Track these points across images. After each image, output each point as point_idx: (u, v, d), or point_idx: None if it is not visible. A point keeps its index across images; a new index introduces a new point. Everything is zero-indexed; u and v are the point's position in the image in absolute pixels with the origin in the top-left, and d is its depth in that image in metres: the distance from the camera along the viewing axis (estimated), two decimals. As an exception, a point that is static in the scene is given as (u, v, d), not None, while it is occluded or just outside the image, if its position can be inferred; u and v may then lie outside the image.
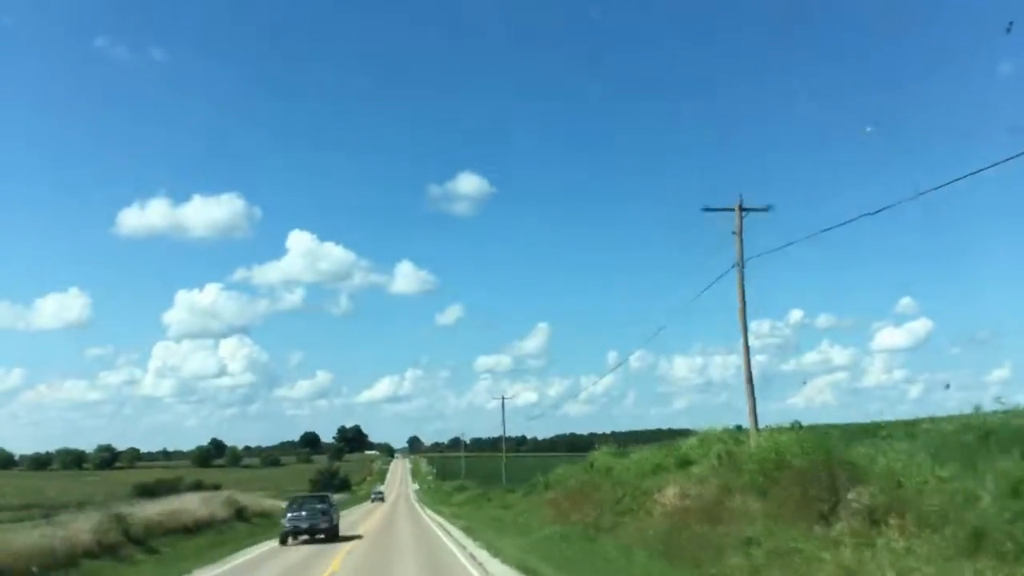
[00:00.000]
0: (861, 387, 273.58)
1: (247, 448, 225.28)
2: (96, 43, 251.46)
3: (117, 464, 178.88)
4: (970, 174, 13.01)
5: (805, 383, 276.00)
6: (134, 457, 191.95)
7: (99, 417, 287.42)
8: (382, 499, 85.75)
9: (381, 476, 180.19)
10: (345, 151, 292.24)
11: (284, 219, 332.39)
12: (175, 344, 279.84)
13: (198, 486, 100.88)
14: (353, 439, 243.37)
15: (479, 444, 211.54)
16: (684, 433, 30.58)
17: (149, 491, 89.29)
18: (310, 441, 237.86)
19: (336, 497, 57.16)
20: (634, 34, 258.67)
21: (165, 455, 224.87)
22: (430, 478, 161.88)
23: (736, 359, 23.21)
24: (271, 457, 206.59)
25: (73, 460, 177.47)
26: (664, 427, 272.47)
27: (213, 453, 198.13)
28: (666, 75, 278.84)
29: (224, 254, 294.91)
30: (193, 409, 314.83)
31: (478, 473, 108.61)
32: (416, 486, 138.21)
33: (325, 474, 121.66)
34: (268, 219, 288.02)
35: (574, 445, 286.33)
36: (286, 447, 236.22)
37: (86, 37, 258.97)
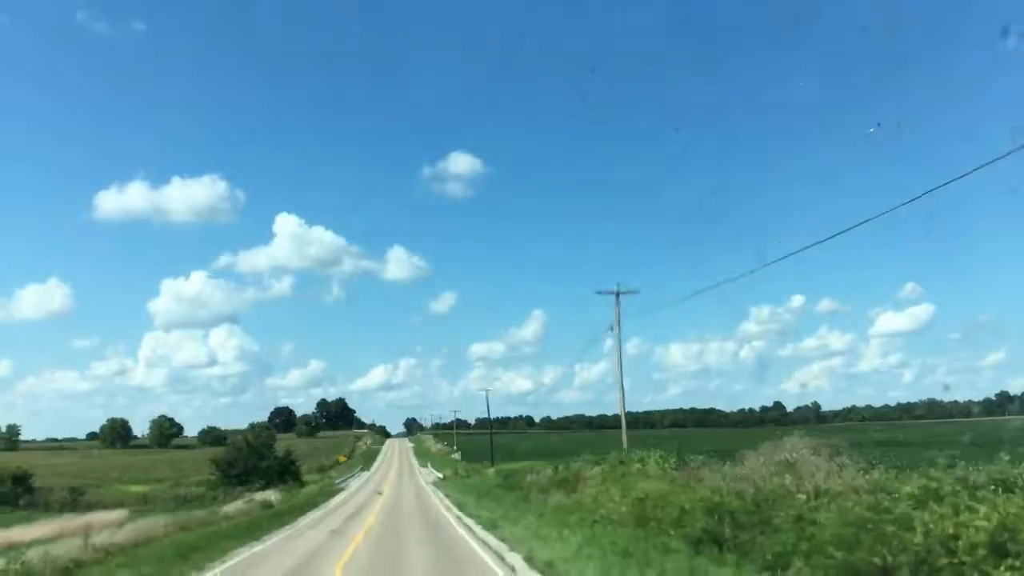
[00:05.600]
0: (856, 372, 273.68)
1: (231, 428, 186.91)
2: (76, 16, 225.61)
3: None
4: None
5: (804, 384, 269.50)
6: (13, 438, 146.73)
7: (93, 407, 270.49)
8: None
9: (368, 459, 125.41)
10: (332, 130, 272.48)
11: (269, 202, 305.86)
12: (164, 334, 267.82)
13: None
14: (337, 415, 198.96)
15: (483, 425, 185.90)
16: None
17: None
18: (282, 418, 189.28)
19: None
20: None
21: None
22: (455, 456, 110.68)
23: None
24: (215, 435, 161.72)
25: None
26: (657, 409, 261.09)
27: (128, 433, 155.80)
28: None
29: (208, 239, 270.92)
30: (185, 399, 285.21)
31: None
32: (436, 473, 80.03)
33: (245, 453, 69.86)
34: (252, 202, 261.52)
35: (590, 424, 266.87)
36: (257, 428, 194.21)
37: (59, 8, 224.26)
